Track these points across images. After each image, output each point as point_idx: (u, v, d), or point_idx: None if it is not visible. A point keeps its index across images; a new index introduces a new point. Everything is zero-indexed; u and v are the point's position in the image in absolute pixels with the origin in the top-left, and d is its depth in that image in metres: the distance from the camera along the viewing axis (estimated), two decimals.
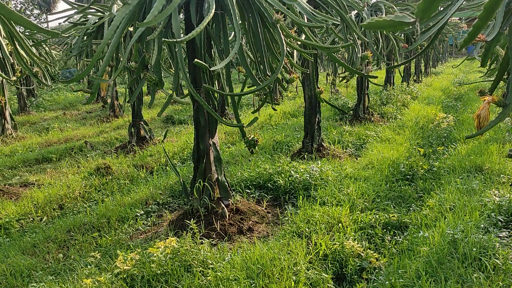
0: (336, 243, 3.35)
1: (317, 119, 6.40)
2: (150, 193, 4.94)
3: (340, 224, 3.69)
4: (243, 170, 5.40)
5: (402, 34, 9.86)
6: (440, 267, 2.79)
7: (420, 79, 17.16)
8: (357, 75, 8.95)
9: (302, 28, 3.55)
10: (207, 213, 4.03)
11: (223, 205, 4.09)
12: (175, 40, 2.79)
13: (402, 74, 14.67)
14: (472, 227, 3.26)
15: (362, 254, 3.28)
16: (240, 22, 3.28)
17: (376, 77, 4.16)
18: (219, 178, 4.17)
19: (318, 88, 5.64)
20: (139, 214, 4.42)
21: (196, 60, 2.84)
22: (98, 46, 5.55)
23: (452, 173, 4.98)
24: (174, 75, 3.60)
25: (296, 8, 3.46)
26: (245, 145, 3.71)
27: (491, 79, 11.83)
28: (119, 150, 7.19)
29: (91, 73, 7.31)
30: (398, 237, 3.63)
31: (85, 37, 6.22)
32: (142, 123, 7.76)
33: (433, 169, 5.40)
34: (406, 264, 2.95)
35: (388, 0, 8.72)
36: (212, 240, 3.63)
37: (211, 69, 2.89)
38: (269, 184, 4.92)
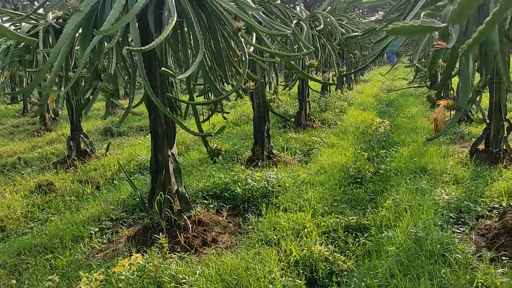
0: (305, 248, 3.39)
1: (266, 127, 6.46)
2: (102, 209, 4.69)
3: (305, 230, 3.74)
4: (197, 181, 5.30)
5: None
6: (411, 265, 2.91)
7: (351, 87, 17.96)
8: (298, 84, 9.19)
9: (261, 36, 3.58)
10: (169, 226, 3.90)
11: (185, 217, 3.98)
12: (141, 48, 2.69)
13: (336, 82, 15.27)
14: (431, 224, 3.45)
15: (329, 257, 3.34)
16: (206, 32, 3.23)
17: (335, 83, 4.28)
18: (179, 189, 4.06)
19: (271, 97, 5.70)
20: (93, 232, 4.18)
21: (163, 69, 2.75)
22: (39, 54, 5.21)
23: (400, 175, 5.24)
24: (131, 85, 3.47)
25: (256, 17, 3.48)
26: (208, 154, 3.65)
27: (415, 85, 12.60)
28: (58, 166, 6.77)
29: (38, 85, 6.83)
30: (360, 238, 3.75)
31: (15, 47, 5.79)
32: (82, 136, 7.37)
33: (380, 171, 5.65)
34: (376, 264, 3.05)
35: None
36: (178, 254, 3.51)
37: (178, 77, 2.82)
38: (226, 194, 4.88)
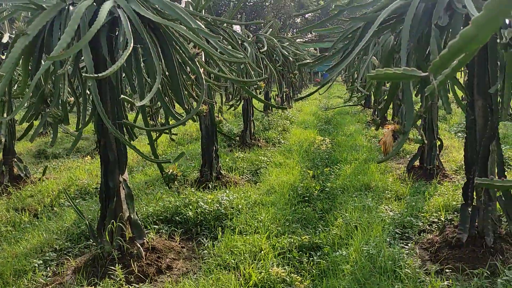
0: (263, 271, 3.43)
1: (214, 147, 6.47)
2: (45, 239, 4.44)
3: (262, 252, 3.78)
4: (146, 205, 5.18)
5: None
6: (367, 283, 3.04)
7: (291, 105, 18.44)
8: (242, 103, 9.32)
9: (216, 61, 3.63)
10: (121, 255, 3.77)
11: (138, 245, 3.88)
12: (98, 75, 2.63)
13: (276, 100, 15.60)
14: (381, 241, 3.63)
15: (287, 279, 3.40)
16: (162, 58, 3.21)
17: (286, 108, 4.41)
18: (132, 216, 3.95)
19: (217, 117, 5.73)
20: (36, 265, 3.94)
21: (122, 96, 2.71)
22: None
23: (346, 193, 5.46)
24: (82, 111, 3.37)
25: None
26: (163, 180, 3.60)
27: (350, 104, 13.13)
28: None
29: None
30: (314, 258, 3.85)
31: None
32: (15, 160, 6.94)
33: (326, 189, 5.85)
34: (333, 284, 3.15)
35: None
36: (135, 285, 3.41)
37: (137, 104, 2.78)
38: (178, 218, 4.80)
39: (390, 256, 3.36)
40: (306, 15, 50.00)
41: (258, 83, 5.44)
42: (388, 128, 3.27)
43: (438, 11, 2.84)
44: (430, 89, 1.43)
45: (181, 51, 3.52)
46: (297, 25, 49.12)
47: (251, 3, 40.10)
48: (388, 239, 3.80)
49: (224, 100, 9.42)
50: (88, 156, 8.38)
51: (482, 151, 3.23)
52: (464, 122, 9.60)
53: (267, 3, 42.03)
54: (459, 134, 9.08)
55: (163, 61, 3.44)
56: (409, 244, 3.79)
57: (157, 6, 3.45)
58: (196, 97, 4.03)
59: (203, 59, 4.27)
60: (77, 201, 5.92)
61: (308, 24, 50.43)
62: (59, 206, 5.75)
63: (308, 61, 3.83)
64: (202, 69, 3.58)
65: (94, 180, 6.65)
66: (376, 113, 11.75)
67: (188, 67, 3.69)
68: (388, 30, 3.64)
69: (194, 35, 3.21)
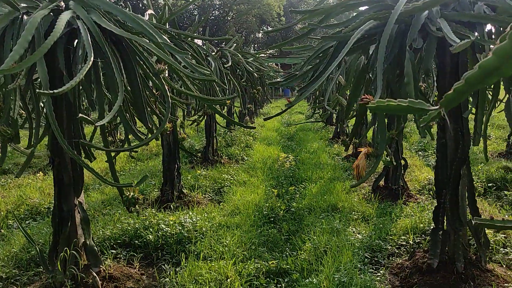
0: None
1: (176, 166, 6.23)
2: None
3: (228, 280, 3.58)
4: (103, 227, 4.86)
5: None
6: None
7: (253, 120, 18.37)
8: (205, 118, 9.10)
9: (182, 78, 3.44)
10: (75, 285, 3.46)
11: (94, 274, 3.58)
12: (54, 91, 2.38)
13: (239, 116, 15.48)
14: (352, 267, 3.51)
15: None
16: (123, 73, 2.99)
17: (254, 127, 4.28)
18: (87, 242, 3.65)
19: (183, 134, 5.51)
20: None
21: (80, 115, 2.47)
22: None
23: (312, 213, 5.35)
24: (35, 128, 3.08)
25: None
26: (123, 204, 3.35)
27: (312, 120, 13.16)
28: None
29: None
30: (282, 284, 3.69)
31: None
32: None
33: (291, 209, 5.72)
34: None
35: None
36: None
37: (96, 124, 2.55)
38: (137, 241, 4.52)
39: (362, 284, 3.25)
40: (268, 29, 50.60)
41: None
42: (361, 151, 3.19)
43: (412, 33, 2.79)
44: (427, 120, 1.31)
45: (145, 67, 3.31)
46: (259, 40, 49.65)
47: (213, 17, 40.16)
48: (358, 265, 3.69)
49: (185, 114, 9.19)
50: (40, 172, 7.89)
51: (454, 175, 3.20)
52: (423, 141, 9.80)
53: (229, 18, 42.21)
54: (420, 153, 9.26)
55: (125, 76, 3.23)
56: (380, 270, 3.70)
57: (119, 18, 3.24)
58: (159, 114, 3.82)
59: (166, 74, 4.08)
60: (27, 222, 5.51)
61: (269, 39, 51.04)
62: (7, 228, 5.31)
63: (279, 80, 3.72)
64: (167, 85, 3.38)
65: (47, 199, 6.23)
66: (338, 130, 11.85)
67: (150, 82, 3.49)
68: (359, 50, 3.59)
69: (160, 50, 3.01)
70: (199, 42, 9.09)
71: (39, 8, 2.88)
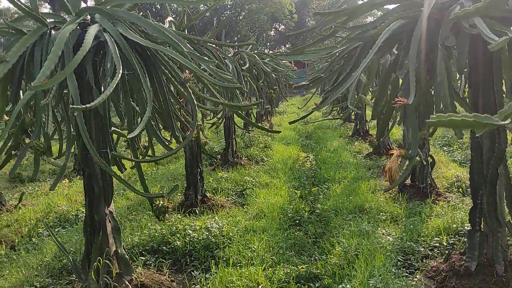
0: None
1: (199, 170, 6.22)
2: (24, 276, 4.09)
3: (260, 286, 3.55)
4: (131, 234, 4.88)
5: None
6: None
7: (269, 120, 18.30)
8: (224, 120, 9.10)
9: (208, 86, 3.42)
10: None
11: (127, 282, 3.60)
12: (86, 106, 2.39)
13: (256, 117, 15.44)
14: (386, 272, 3.45)
15: None
16: (149, 84, 2.98)
17: (279, 131, 4.25)
18: (119, 251, 3.67)
19: (206, 138, 5.51)
20: None
21: (113, 128, 2.47)
22: None
23: (339, 215, 5.29)
24: (67, 140, 3.10)
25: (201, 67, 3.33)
26: (153, 213, 3.35)
27: (330, 117, 13.07)
28: None
29: None
30: None
31: None
32: None
33: (316, 211, 5.66)
34: None
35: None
36: None
37: (128, 137, 2.55)
38: (165, 247, 4.52)
39: None
40: (280, 28, 50.43)
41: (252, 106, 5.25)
42: (393, 154, 3.12)
43: (444, 31, 2.72)
44: (481, 131, 1.26)
45: (170, 76, 3.30)
46: (271, 38, 49.51)
47: (224, 18, 40.15)
48: (393, 269, 3.63)
49: (203, 117, 9.20)
50: (66, 179, 7.98)
51: (490, 175, 3.11)
52: (448, 136, 9.62)
53: (240, 17, 42.16)
54: (444, 148, 9.10)
55: (151, 87, 3.22)
56: (414, 274, 3.62)
57: (144, 28, 3.23)
58: (184, 122, 3.81)
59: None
60: (56, 229, 5.57)
61: (281, 37, 50.84)
62: (38, 236, 5.38)
63: (304, 83, 3.68)
64: (193, 93, 3.37)
65: (74, 206, 6.30)
66: (358, 128, 11.73)
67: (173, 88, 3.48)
68: (386, 49, 3.52)
69: (185, 59, 3.00)
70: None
71: (66, 23, 2.90)
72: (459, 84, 4.94)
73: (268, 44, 47.77)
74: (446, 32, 2.74)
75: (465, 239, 3.88)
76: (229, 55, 7.61)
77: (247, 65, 8.11)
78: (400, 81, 3.44)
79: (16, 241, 5.26)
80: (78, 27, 2.92)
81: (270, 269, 3.94)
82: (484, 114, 0.98)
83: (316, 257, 4.26)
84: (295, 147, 10.50)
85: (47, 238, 5.16)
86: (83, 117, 3.17)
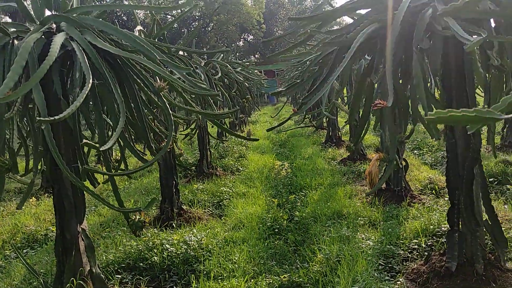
0: None
1: (174, 182, 6.09)
2: None
3: None
4: (105, 252, 4.69)
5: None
6: None
7: (242, 129, 18.26)
8: (197, 131, 8.99)
9: (181, 93, 3.33)
10: None
11: None
12: (54, 118, 2.27)
13: (229, 126, 15.36)
14: (369, 276, 3.42)
15: None
16: (121, 93, 2.87)
17: (257, 139, 4.19)
18: (93, 270, 3.51)
19: (180, 149, 5.39)
20: None
21: (85, 141, 2.35)
22: None
23: (318, 222, 5.25)
24: (35, 157, 2.95)
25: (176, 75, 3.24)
26: (130, 228, 3.22)
27: (303, 125, 13.20)
28: None
29: None
30: None
31: None
32: None
33: (295, 219, 5.61)
34: None
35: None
36: None
37: (101, 149, 2.43)
38: (142, 264, 4.36)
39: None
40: (248, 38, 50.74)
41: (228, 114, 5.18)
42: (373, 157, 3.11)
43: (418, 34, 2.73)
44: (474, 127, 1.23)
45: (143, 85, 3.20)
46: (240, 49, 49.68)
47: (193, 28, 39.98)
48: (375, 274, 3.60)
49: (176, 128, 9.05)
50: (33, 198, 7.66)
51: (467, 175, 3.14)
52: (417, 140, 9.80)
53: (209, 28, 42.13)
54: (415, 151, 9.25)
55: (122, 97, 3.11)
56: (398, 279, 3.60)
57: (114, 37, 3.13)
58: (159, 133, 3.70)
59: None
60: (24, 251, 5.30)
61: (251, 47, 51.11)
62: (5, 259, 5.11)
63: (281, 89, 3.65)
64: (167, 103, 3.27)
65: (43, 226, 6.03)
66: (330, 134, 11.81)
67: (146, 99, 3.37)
68: (360, 54, 3.53)
69: (159, 67, 2.91)
70: (181, 53, 8.98)
71: (30, 32, 2.77)
72: (429, 88, 5.02)
73: (237, 54, 47.90)
74: (421, 34, 2.75)
75: (444, 240, 3.91)
76: (201, 65, 7.54)
77: (219, 74, 8.05)
78: (376, 85, 3.45)
79: None
80: (43, 36, 2.80)
81: (252, 280, 3.85)
82: (486, 109, 0.95)
83: (298, 266, 4.20)
84: (270, 156, 10.47)
85: (15, 260, 4.91)
86: (51, 130, 3.02)
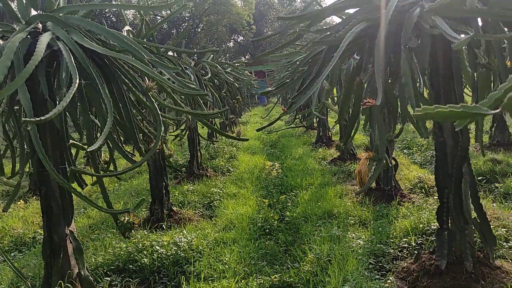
0: None
1: (164, 183, 6.05)
2: None
3: None
4: (94, 254, 4.64)
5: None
6: None
7: (233, 130, 18.23)
8: (187, 132, 8.94)
9: (170, 94, 3.31)
10: None
11: None
12: (40, 118, 2.23)
13: (220, 127, 15.32)
14: (359, 275, 3.42)
15: None
16: (109, 94, 2.84)
17: (247, 139, 4.18)
18: (82, 272, 3.47)
19: (170, 150, 5.36)
20: None
21: (71, 141, 2.32)
22: None
23: (309, 222, 5.25)
24: (21, 159, 2.90)
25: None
26: (118, 230, 3.18)
27: (293, 126, 13.21)
28: None
29: None
30: None
31: None
32: None
33: (286, 219, 5.61)
34: None
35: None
36: None
37: (88, 149, 2.40)
38: (132, 266, 4.32)
39: None
40: (239, 39, 50.70)
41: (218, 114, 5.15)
42: (362, 156, 3.11)
43: (406, 33, 2.74)
44: (462, 124, 1.23)
45: (131, 85, 3.17)
46: (231, 50, 49.63)
47: (182, 29, 39.78)
48: (366, 273, 3.61)
49: (166, 129, 9.00)
50: (21, 201, 7.57)
51: (456, 174, 3.15)
52: (407, 139, 9.86)
53: (199, 29, 42.01)
54: (405, 151, 9.30)
55: (110, 97, 3.08)
56: (387, 275, 3.61)
57: (102, 36, 3.10)
58: (148, 133, 3.68)
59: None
60: (12, 254, 5.23)
61: (241, 48, 51.10)
62: None
63: (270, 89, 3.64)
64: (156, 103, 3.25)
65: (31, 228, 5.96)
66: (321, 135, 11.84)
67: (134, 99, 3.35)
68: (349, 53, 3.54)
69: (147, 67, 2.88)
70: (170, 54, 8.94)
71: (15, 32, 2.73)
72: (418, 87, 5.05)
73: (228, 55, 47.84)
74: (408, 33, 2.76)
75: (433, 238, 3.93)
76: (190, 65, 7.51)
77: (209, 74, 8.03)
78: (365, 85, 3.45)
79: None
80: (28, 36, 2.76)
81: (243, 281, 3.84)
82: (473, 105, 0.95)
83: (289, 266, 4.19)
84: (261, 156, 10.46)
85: (2, 264, 4.84)
86: (38, 131, 2.98)
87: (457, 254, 3.33)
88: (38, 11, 2.98)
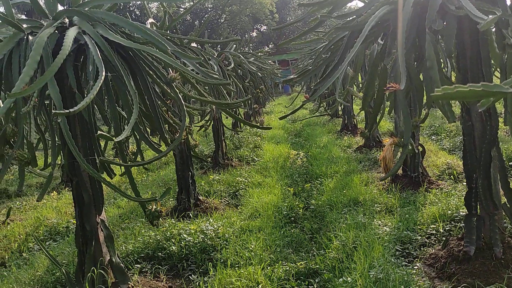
0: None
1: (190, 173, 6.14)
2: None
3: (259, 286, 3.49)
4: (124, 242, 4.78)
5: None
6: None
7: (257, 120, 18.24)
8: (212, 122, 9.02)
9: (194, 84, 3.35)
10: None
11: None
12: (69, 111, 2.30)
13: (244, 117, 15.36)
14: (386, 262, 3.41)
15: None
16: (134, 85, 2.90)
17: (270, 128, 4.20)
18: (113, 259, 3.58)
19: (195, 141, 5.43)
20: None
21: (100, 132, 2.39)
22: None
23: (334, 209, 5.25)
24: (52, 149, 3.01)
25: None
26: (147, 218, 3.27)
27: (318, 114, 13.15)
28: None
29: None
30: (315, 286, 3.59)
31: None
32: None
33: (311, 207, 5.62)
34: None
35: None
36: None
37: (116, 140, 2.47)
38: (160, 253, 4.44)
39: (400, 279, 3.15)
40: (262, 29, 50.44)
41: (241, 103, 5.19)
42: (387, 142, 3.09)
43: (431, 15, 2.69)
44: (486, 104, 1.22)
45: (155, 77, 3.23)
46: (254, 40, 49.49)
47: (203, 20, 39.84)
48: (392, 259, 3.59)
49: (191, 120, 9.08)
50: (54, 192, 7.83)
51: (484, 158, 3.09)
52: (435, 125, 9.66)
53: (222, 20, 42.02)
54: (433, 137, 9.13)
55: (136, 89, 3.14)
56: (416, 264, 3.58)
57: (126, 29, 3.16)
58: (173, 124, 3.73)
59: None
60: (47, 243, 5.43)
61: (264, 38, 50.85)
62: (28, 251, 5.25)
63: (292, 77, 3.64)
64: (180, 93, 3.30)
65: (64, 218, 6.17)
66: (346, 122, 11.74)
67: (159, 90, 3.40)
68: (372, 38, 3.49)
69: (170, 58, 2.92)
70: (193, 45, 9.00)
71: (43, 27, 2.81)
72: (445, 71, 4.94)
73: (251, 45, 47.69)
74: (433, 15, 2.71)
75: (462, 225, 3.87)
76: (214, 56, 7.54)
77: (232, 65, 8.05)
78: (388, 71, 3.41)
79: (6, 257, 5.13)
80: (56, 31, 2.83)
81: (269, 267, 3.88)
82: (494, 83, 0.94)
83: (314, 253, 4.21)
84: (285, 146, 10.46)
85: (38, 252, 5.04)
86: (68, 123, 3.08)
87: (486, 240, 3.28)
88: (65, 7, 3.06)
